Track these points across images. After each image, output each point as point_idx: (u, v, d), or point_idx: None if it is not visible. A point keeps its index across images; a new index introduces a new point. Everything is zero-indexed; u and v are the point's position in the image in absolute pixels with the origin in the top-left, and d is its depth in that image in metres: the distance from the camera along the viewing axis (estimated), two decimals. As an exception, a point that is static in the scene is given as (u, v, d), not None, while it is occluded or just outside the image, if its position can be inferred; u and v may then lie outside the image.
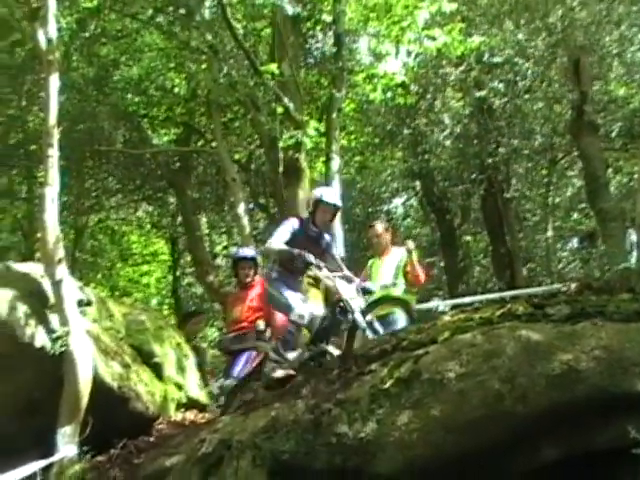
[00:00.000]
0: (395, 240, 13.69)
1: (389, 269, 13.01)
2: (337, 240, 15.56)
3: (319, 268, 11.55)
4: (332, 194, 12.10)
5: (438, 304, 16.68)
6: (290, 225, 11.93)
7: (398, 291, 12.87)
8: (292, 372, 11.29)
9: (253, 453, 8.13)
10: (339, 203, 11.86)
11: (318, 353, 11.50)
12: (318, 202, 11.84)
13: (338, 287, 11.49)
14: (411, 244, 13.07)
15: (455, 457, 7.75)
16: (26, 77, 18.30)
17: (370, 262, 13.73)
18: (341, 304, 11.38)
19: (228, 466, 7.98)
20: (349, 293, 11.40)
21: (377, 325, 11.48)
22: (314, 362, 11.51)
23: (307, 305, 11.83)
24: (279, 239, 11.67)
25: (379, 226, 13.74)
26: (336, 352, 11.37)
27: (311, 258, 11.35)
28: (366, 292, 11.94)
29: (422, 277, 13.02)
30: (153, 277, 29.81)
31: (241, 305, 13.59)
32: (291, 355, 11.63)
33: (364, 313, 11.37)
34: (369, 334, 11.23)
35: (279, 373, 11.34)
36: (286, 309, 11.79)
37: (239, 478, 7.81)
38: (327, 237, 12.04)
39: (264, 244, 13.27)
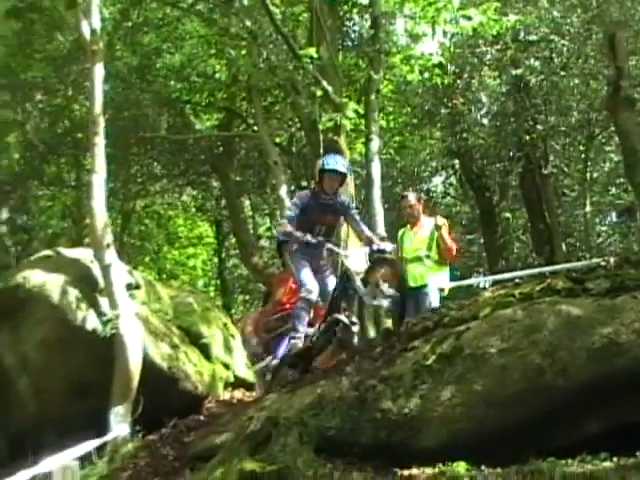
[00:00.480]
0: (427, 211, 13.63)
1: (421, 240, 12.98)
2: (377, 218, 15.52)
3: (322, 244, 11.56)
4: (335, 161, 12.00)
5: (479, 280, 16.59)
6: (298, 200, 11.91)
7: (430, 262, 12.79)
8: (303, 346, 11.39)
9: (300, 430, 8.12)
10: (342, 169, 11.79)
11: (332, 323, 11.53)
12: (322, 171, 11.84)
13: (342, 257, 11.53)
14: (440, 219, 13.02)
15: (497, 431, 7.72)
16: (72, 67, 18.31)
17: (401, 231, 13.59)
18: (347, 274, 11.43)
19: (275, 443, 7.96)
20: (354, 263, 11.44)
21: (382, 290, 11.51)
22: (329, 332, 11.55)
23: (324, 277, 11.81)
24: (289, 220, 11.68)
25: (411, 196, 13.63)
26: (346, 320, 11.42)
27: (308, 237, 11.33)
28: (382, 252, 11.95)
29: (453, 251, 12.95)
30: (199, 259, 29.93)
31: (284, 287, 13.56)
32: (309, 330, 11.65)
33: (367, 278, 11.41)
34: (368, 301, 11.35)
35: (296, 348, 11.42)
36: (299, 284, 11.86)
37: (286, 454, 7.79)
38: (344, 200, 11.98)
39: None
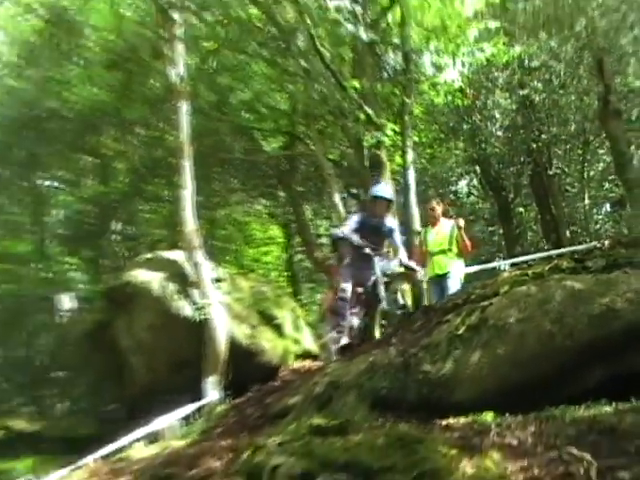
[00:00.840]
0: (445, 213, 13.67)
1: (442, 236, 12.96)
2: (413, 217, 15.44)
3: (379, 251, 11.53)
4: (385, 190, 12.02)
5: (500, 264, 16.52)
6: (355, 218, 11.96)
7: (451, 254, 12.89)
8: (347, 341, 11.40)
9: (357, 391, 8.16)
10: (390, 197, 11.79)
11: (364, 323, 11.60)
12: (374, 197, 11.82)
13: (375, 266, 11.50)
14: (461, 221, 13.15)
15: (517, 386, 7.72)
16: (163, 105, 18.45)
17: (424, 230, 13.81)
18: (376, 280, 11.42)
19: (337, 402, 8.02)
20: (384, 266, 11.45)
21: (397, 299, 11.59)
22: (362, 330, 11.61)
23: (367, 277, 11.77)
24: (349, 227, 11.67)
25: (433, 202, 13.82)
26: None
27: (360, 242, 11.31)
28: (408, 268, 11.95)
29: (469, 247, 13.11)
30: (271, 256, 29.93)
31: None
32: (354, 320, 11.67)
33: (388, 284, 11.44)
34: (385, 305, 11.43)
35: (341, 342, 11.46)
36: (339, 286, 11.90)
37: (346, 411, 7.83)
38: (388, 224, 11.96)
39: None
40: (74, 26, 15.34)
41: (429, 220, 13.69)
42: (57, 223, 24.83)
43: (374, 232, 11.72)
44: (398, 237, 12.26)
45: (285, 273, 28.88)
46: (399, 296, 11.59)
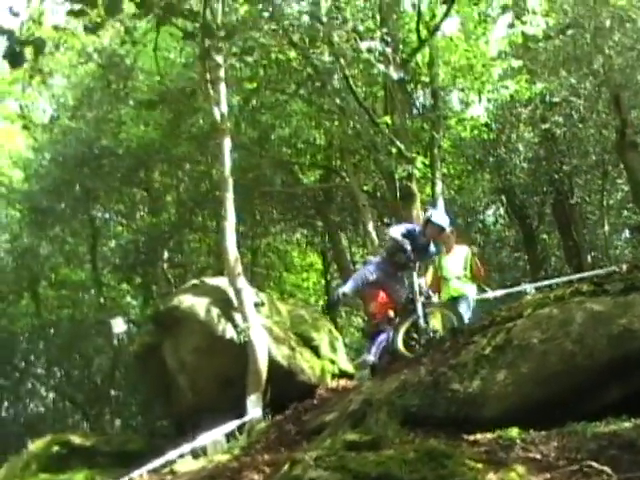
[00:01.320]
0: (458, 240, 13.64)
1: (457, 262, 12.90)
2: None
3: (414, 265, 11.46)
4: (440, 217, 11.98)
5: (524, 287, 16.37)
6: (408, 226, 11.96)
7: (465, 279, 12.79)
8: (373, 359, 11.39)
9: (388, 408, 8.17)
10: (444, 225, 11.74)
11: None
12: (428, 221, 11.79)
13: (415, 285, 11.43)
14: (474, 249, 13.13)
15: (541, 403, 7.72)
16: (209, 142, 18.60)
17: (438, 256, 13.69)
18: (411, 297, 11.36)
19: (370, 418, 8.03)
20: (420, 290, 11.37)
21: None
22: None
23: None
24: (399, 231, 11.64)
25: (448, 230, 13.76)
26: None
27: (409, 252, 11.25)
28: (428, 297, 11.88)
29: (482, 271, 13.06)
30: (310, 282, 29.93)
31: (374, 301, 13.52)
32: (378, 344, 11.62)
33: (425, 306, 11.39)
34: (422, 322, 11.32)
35: (368, 361, 11.47)
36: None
37: (379, 427, 7.82)
38: (433, 250, 11.94)
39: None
40: (126, 70, 15.52)
41: (445, 247, 13.71)
42: (111, 252, 25.02)
43: (419, 252, 11.70)
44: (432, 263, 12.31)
45: (323, 298, 28.83)
46: (432, 322, 11.55)
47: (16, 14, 5.10)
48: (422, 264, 12.34)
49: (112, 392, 26.47)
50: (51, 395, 29.17)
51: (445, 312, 11.83)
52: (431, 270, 13.32)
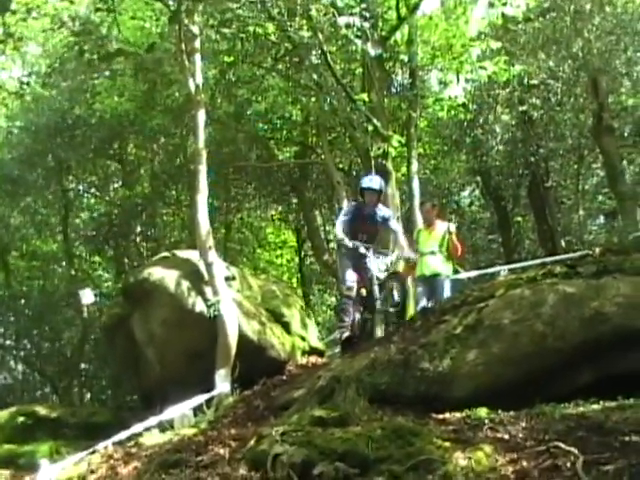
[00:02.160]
0: (440, 216, 13.55)
1: (434, 239, 12.79)
2: (417, 224, 15.28)
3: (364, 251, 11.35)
4: (372, 181, 11.87)
5: (498, 269, 16.37)
6: (347, 210, 11.92)
7: (439, 257, 12.69)
8: (349, 334, 11.29)
9: (357, 385, 8.16)
10: (376, 186, 11.65)
11: (364, 319, 11.50)
12: (362, 189, 11.75)
13: (369, 263, 11.35)
14: (452, 226, 12.98)
15: (511, 384, 7.79)
16: (184, 115, 18.38)
17: (417, 230, 13.74)
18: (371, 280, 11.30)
19: (338, 395, 8.01)
20: (375, 268, 11.28)
21: (393, 297, 11.40)
22: (364, 325, 11.51)
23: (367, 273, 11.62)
24: (340, 227, 11.59)
25: (428, 204, 13.72)
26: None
27: (350, 244, 11.17)
28: (407, 260, 11.89)
29: (459, 251, 12.93)
30: (284, 259, 29.82)
31: None
32: (349, 319, 11.50)
33: (384, 283, 11.31)
34: (379, 305, 11.29)
35: (343, 335, 11.36)
36: (341, 282, 11.77)
37: (347, 404, 7.81)
38: (384, 214, 11.82)
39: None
40: (100, 39, 15.25)
41: (424, 221, 13.62)
42: (83, 224, 24.76)
43: (368, 221, 11.64)
44: (395, 224, 12.19)
45: (297, 275, 28.77)
46: (395, 294, 11.42)
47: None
48: (383, 231, 12.20)
49: (82, 365, 26.24)
50: (20, 367, 28.85)
51: (391, 285, 11.68)
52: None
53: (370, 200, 11.69)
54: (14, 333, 27.47)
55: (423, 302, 12.59)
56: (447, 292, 12.46)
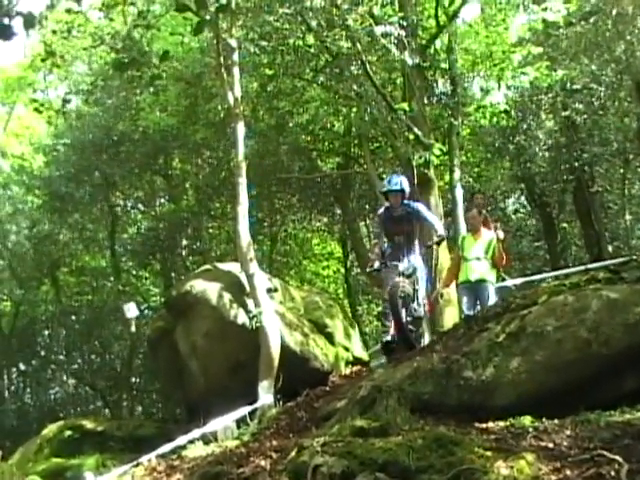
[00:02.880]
0: (486, 223, 13.39)
1: (480, 246, 12.61)
2: (460, 233, 15.10)
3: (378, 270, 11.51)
4: (391, 182, 11.79)
5: (544, 276, 16.16)
6: (377, 218, 11.95)
7: (485, 264, 12.48)
8: (389, 338, 11.25)
9: (398, 394, 8.04)
10: (397, 187, 11.57)
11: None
12: (383, 193, 11.75)
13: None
14: (501, 233, 12.83)
15: (554, 391, 7.65)
16: (227, 128, 18.47)
17: (462, 236, 13.46)
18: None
19: (379, 405, 7.87)
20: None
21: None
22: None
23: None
24: (375, 235, 11.73)
25: (474, 210, 13.48)
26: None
27: (375, 266, 11.58)
28: (441, 236, 11.75)
29: (504, 260, 12.75)
30: (330, 270, 29.78)
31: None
32: (389, 323, 11.45)
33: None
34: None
35: (383, 339, 11.32)
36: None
37: (388, 414, 7.70)
38: (412, 206, 11.73)
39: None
40: (139, 54, 15.40)
41: (469, 227, 13.42)
42: (130, 239, 25.00)
43: (401, 223, 11.59)
44: (427, 212, 12.06)
45: (343, 285, 28.72)
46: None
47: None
48: (421, 225, 12.08)
49: (132, 379, 26.51)
50: (71, 381, 29.25)
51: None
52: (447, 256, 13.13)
53: (395, 202, 11.64)
54: (64, 348, 27.88)
55: (466, 309, 12.43)
56: (492, 299, 12.29)
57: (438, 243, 12.12)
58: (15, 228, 25.81)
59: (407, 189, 11.98)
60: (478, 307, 12.21)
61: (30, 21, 4.86)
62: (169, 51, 11.34)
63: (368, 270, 12.05)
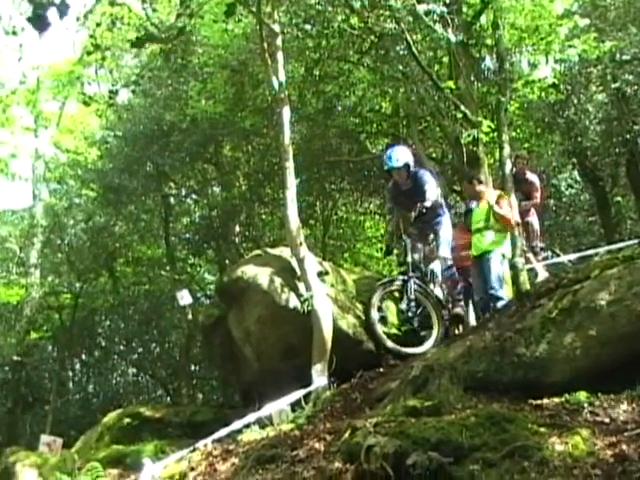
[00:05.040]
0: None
1: (480, 213, 12.34)
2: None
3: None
4: (391, 159, 11.61)
5: (597, 251, 15.85)
6: (387, 192, 11.90)
7: (488, 234, 12.13)
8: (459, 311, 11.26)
9: (450, 373, 8.03)
10: (398, 164, 11.41)
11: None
12: (386, 172, 11.65)
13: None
14: (494, 194, 12.69)
15: (609, 366, 7.62)
16: (273, 113, 18.49)
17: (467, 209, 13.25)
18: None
19: (432, 384, 7.86)
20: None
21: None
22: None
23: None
24: (389, 211, 11.71)
25: (474, 181, 13.19)
26: None
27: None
28: (425, 207, 11.77)
29: (508, 219, 12.18)
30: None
31: None
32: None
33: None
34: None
35: (454, 310, 11.37)
36: None
37: (440, 392, 7.68)
38: (421, 179, 11.56)
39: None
40: (184, 43, 15.48)
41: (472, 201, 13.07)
42: (184, 228, 25.16)
43: (410, 197, 11.48)
44: (426, 182, 12.07)
45: (397, 268, 28.60)
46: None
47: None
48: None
49: (191, 367, 26.79)
50: (132, 370, 29.69)
51: None
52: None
53: (400, 178, 11.49)
54: (124, 338, 28.28)
55: (475, 289, 12.14)
56: (495, 270, 11.89)
57: (416, 217, 11.85)
58: (72, 222, 26.07)
59: (411, 161, 11.74)
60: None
61: (63, 11, 4.88)
62: (184, 27, 11.36)
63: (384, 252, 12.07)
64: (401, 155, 11.65)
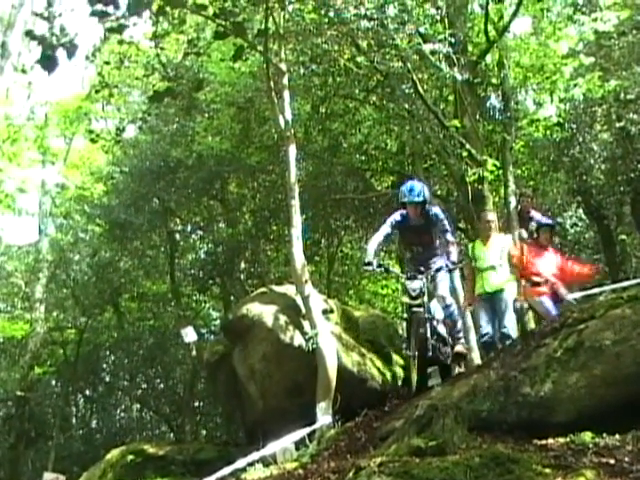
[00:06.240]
0: (501, 230, 13.11)
1: (495, 252, 12.23)
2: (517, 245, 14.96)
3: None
4: (412, 192, 11.40)
5: (601, 290, 15.83)
6: (392, 219, 11.60)
7: (503, 272, 12.05)
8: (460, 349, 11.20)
9: (455, 413, 7.97)
10: (420, 198, 11.25)
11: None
12: (401, 204, 11.47)
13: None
14: (507, 238, 12.72)
15: (615, 406, 7.55)
16: (279, 150, 18.60)
17: (471, 245, 12.95)
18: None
19: (436, 424, 7.81)
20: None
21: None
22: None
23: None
24: (378, 233, 11.52)
25: (488, 214, 13.15)
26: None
27: (369, 267, 11.47)
28: (454, 263, 11.28)
29: (523, 263, 12.11)
30: (389, 289, 29.57)
31: None
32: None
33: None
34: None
35: (456, 348, 11.31)
36: None
37: (445, 432, 7.62)
38: (436, 217, 11.37)
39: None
40: (191, 81, 15.62)
41: (483, 233, 12.94)
42: (190, 264, 25.20)
43: (418, 233, 11.36)
44: (448, 229, 11.52)
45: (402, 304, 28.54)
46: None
47: (46, 18, 5.04)
48: (437, 237, 11.72)
49: (195, 403, 26.69)
50: (136, 406, 29.60)
51: None
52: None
53: (415, 213, 11.34)
54: (128, 373, 28.22)
55: (484, 325, 12.04)
56: (511, 314, 11.83)
57: (450, 271, 11.77)
58: (77, 257, 26.16)
59: (429, 197, 11.64)
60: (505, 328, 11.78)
61: (72, 51, 4.94)
62: (204, 80, 11.40)
63: (363, 266, 11.92)
64: (421, 189, 11.53)
